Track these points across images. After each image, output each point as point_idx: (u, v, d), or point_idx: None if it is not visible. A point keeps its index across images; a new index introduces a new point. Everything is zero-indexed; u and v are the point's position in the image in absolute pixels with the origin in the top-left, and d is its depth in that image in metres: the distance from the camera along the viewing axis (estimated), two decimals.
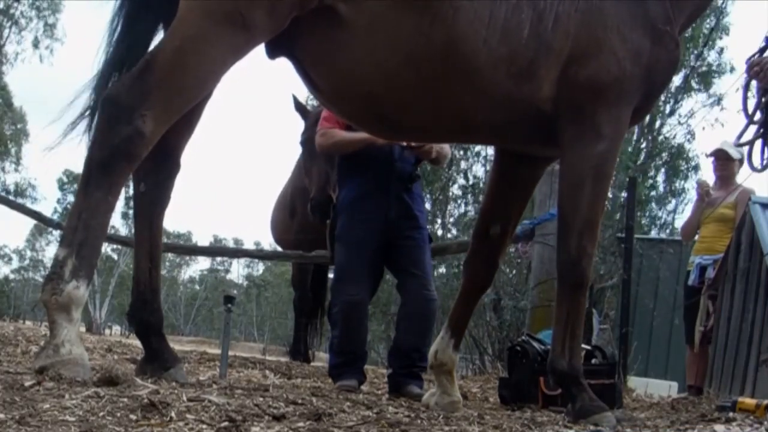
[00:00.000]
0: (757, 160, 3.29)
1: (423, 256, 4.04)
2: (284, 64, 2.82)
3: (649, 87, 2.80)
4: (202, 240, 44.27)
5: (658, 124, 16.80)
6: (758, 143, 3.27)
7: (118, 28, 2.82)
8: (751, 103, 3.32)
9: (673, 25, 2.78)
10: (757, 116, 3.26)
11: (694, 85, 16.66)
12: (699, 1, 2.99)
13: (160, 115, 2.47)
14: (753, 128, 3.31)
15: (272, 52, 2.75)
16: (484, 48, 2.60)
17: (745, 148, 3.45)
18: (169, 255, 31.95)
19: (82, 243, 2.43)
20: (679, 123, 16.73)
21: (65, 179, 34.27)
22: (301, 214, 6.86)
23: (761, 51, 3.26)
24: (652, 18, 2.74)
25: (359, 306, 3.97)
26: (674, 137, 17.01)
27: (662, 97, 16.23)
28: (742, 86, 3.36)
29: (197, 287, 46.82)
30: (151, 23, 2.78)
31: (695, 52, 15.26)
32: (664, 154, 17.32)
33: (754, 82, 3.30)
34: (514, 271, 9.69)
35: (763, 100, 3.21)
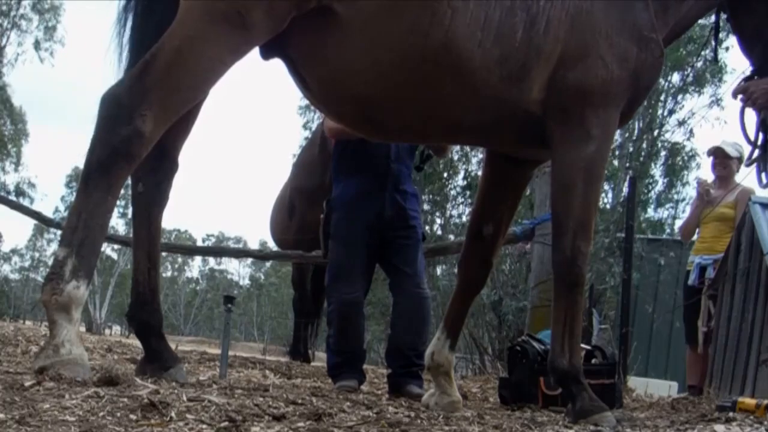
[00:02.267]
0: (763, 179, 3.33)
1: (415, 255, 4.05)
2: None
3: (635, 91, 2.84)
4: (202, 239, 44.26)
5: (657, 124, 16.79)
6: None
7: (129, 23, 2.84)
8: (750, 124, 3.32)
9: (657, 33, 2.83)
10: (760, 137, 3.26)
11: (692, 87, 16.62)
12: (686, 15, 3.01)
13: (159, 115, 2.47)
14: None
15: (266, 53, 2.75)
16: (479, 50, 2.62)
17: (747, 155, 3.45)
18: (171, 255, 31.97)
19: (82, 243, 2.43)
20: (679, 123, 16.72)
21: (74, 175, 34.34)
22: (300, 213, 6.86)
23: (746, 80, 3.26)
24: (639, 25, 2.78)
25: (355, 304, 3.98)
26: (672, 134, 17.00)
27: (662, 98, 16.23)
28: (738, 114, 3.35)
29: (197, 287, 46.83)
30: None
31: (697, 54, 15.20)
32: (663, 153, 17.31)
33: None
34: (511, 267, 9.69)
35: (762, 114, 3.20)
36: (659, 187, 17.90)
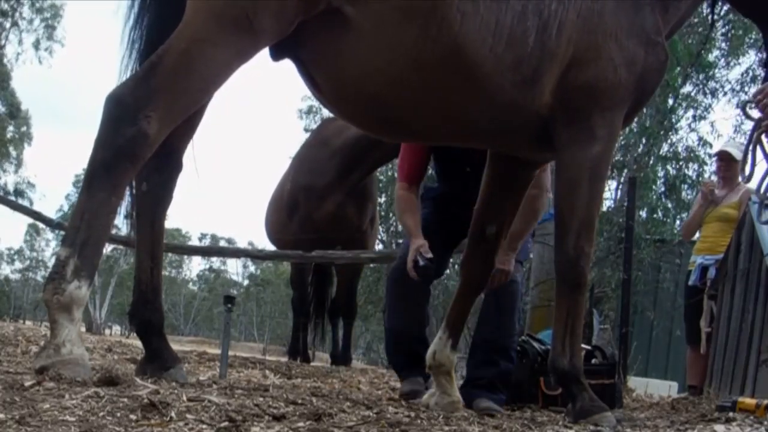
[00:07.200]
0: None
1: None
2: (281, 64, 2.83)
3: (640, 94, 2.85)
4: (196, 239, 44.20)
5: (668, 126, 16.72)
6: None
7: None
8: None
9: (662, 36, 2.85)
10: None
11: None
12: (682, 14, 3.02)
13: (164, 117, 2.46)
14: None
15: (276, 54, 2.75)
16: (490, 55, 2.61)
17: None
18: (170, 255, 31.92)
19: (85, 243, 2.43)
20: (690, 129, 16.65)
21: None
22: (305, 211, 6.75)
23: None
24: (647, 28, 2.79)
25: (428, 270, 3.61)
26: (683, 139, 16.92)
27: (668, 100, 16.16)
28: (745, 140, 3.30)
29: (197, 287, 46.81)
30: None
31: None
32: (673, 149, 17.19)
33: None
34: None
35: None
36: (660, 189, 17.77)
